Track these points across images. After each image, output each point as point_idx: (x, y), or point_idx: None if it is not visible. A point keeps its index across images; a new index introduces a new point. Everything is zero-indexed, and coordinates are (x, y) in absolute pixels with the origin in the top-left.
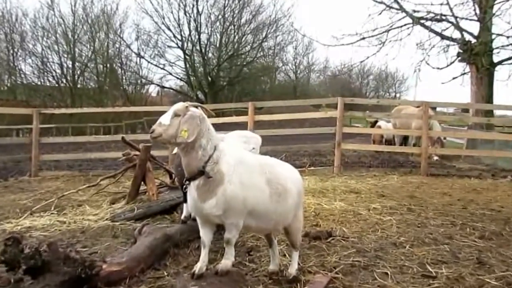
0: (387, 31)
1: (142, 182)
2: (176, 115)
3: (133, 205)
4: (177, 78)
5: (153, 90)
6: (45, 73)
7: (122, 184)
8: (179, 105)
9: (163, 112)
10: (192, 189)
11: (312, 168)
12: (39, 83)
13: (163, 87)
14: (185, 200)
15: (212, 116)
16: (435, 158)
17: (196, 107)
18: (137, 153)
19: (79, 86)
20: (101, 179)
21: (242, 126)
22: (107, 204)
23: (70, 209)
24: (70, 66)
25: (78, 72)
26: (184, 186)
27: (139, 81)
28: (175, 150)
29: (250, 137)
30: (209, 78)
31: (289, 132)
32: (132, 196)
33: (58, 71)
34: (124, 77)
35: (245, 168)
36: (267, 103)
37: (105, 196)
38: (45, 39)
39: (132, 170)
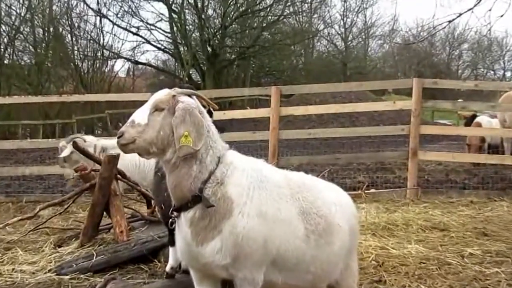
0: None
1: (105, 213)
2: (157, 109)
3: (91, 249)
4: (158, 48)
5: (121, 68)
6: None
7: (73, 216)
8: (162, 94)
9: (136, 103)
10: (183, 225)
11: (373, 190)
12: None
13: (137, 62)
14: (171, 242)
15: (214, 110)
16: None
17: (190, 96)
18: (97, 167)
19: (6, 61)
20: (41, 209)
21: (261, 124)
22: (50, 247)
23: None
24: None
25: (5, 41)
26: (171, 220)
27: (99, 54)
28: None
29: None
30: (209, 49)
31: (334, 134)
32: (89, 235)
33: None
34: (76, 48)
35: (267, 192)
36: (300, 87)
37: (47, 235)
38: None
39: (89, 194)
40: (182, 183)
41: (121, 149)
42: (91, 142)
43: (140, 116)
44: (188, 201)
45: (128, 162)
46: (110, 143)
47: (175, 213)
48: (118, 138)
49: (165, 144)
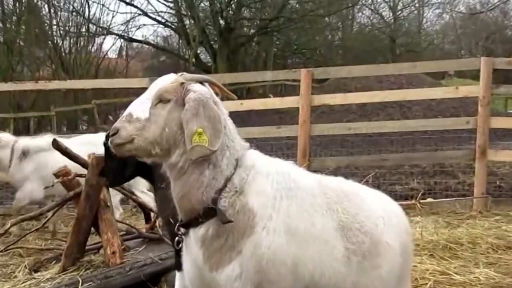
0: None
1: (93, 229)
2: (161, 100)
3: (75, 275)
4: (158, 22)
5: (111, 47)
6: None
7: (52, 234)
8: (167, 81)
9: (131, 91)
10: (192, 245)
11: (430, 200)
12: None
13: (131, 39)
14: (178, 266)
15: (232, 99)
16: None
17: (201, 82)
18: (83, 172)
19: None
20: (13, 224)
21: (287, 116)
22: (24, 272)
23: None
24: None
25: None
26: (177, 239)
27: (83, 30)
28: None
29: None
30: (221, 22)
31: (381, 129)
32: (73, 257)
33: None
34: (55, 23)
35: (297, 203)
36: (337, 70)
37: (21, 257)
38: None
39: (73, 205)
40: (191, 192)
41: (115, 150)
42: (7, 142)
43: (139, 108)
44: (198, 215)
45: None
46: (34, 143)
47: (182, 230)
48: (112, 136)
49: (171, 143)
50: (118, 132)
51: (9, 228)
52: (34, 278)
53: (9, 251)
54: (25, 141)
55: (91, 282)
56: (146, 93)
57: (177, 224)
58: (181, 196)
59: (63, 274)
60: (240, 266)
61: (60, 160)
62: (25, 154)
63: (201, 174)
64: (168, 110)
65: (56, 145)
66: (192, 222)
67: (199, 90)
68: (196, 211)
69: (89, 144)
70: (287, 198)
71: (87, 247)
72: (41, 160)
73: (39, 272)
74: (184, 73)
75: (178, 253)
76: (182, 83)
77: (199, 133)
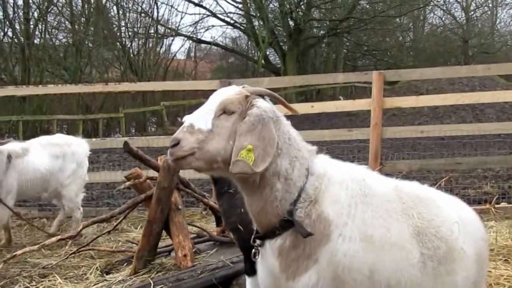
0: None
1: (164, 232)
2: (225, 111)
3: (147, 277)
4: (227, 23)
5: (179, 48)
6: None
7: (123, 236)
8: (231, 92)
9: (199, 93)
10: (269, 256)
11: (504, 204)
12: None
13: (200, 41)
14: (249, 271)
15: (295, 114)
16: None
17: (263, 96)
18: (154, 175)
19: (37, 41)
20: (84, 226)
21: (357, 119)
22: (96, 274)
23: (27, 283)
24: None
25: (36, 15)
26: (254, 251)
27: (152, 31)
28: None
29: (67, 145)
30: (291, 23)
31: (454, 132)
32: (144, 260)
33: None
34: (123, 24)
35: (373, 209)
36: (409, 72)
37: (92, 259)
38: None
39: (144, 208)
40: (267, 207)
41: (175, 163)
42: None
43: (201, 119)
44: (275, 228)
45: None
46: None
47: (258, 242)
48: (172, 147)
49: (224, 159)
50: (179, 144)
51: (81, 230)
52: (106, 280)
53: (81, 253)
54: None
55: (162, 285)
56: (208, 103)
57: (253, 236)
58: (258, 212)
59: (135, 277)
60: (317, 275)
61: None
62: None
63: (273, 188)
64: (232, 122)
65: (127, 148)
66: (268, 234)
67: (263, 107)
68: (273, 223)
69: (52, 145)
70: (362, 205)
71: (158, 250)
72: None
73: (111, 274)
74: (246, 85)
75: (249, 259)
76: (247, 96)
77: (248, 149)
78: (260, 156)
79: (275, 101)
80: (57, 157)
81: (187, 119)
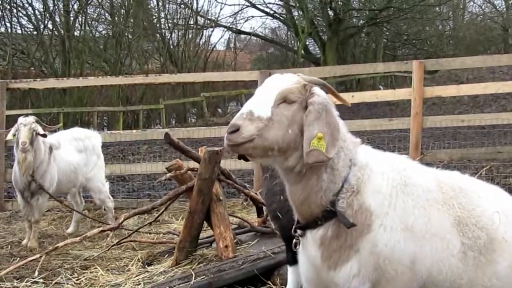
0: None
1: (205, 223)
2: (286, 100)
3: (188, 268)
4: (266, 13)
5: (219, 39)
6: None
7: (165, 227)
8: (290, 81)
9: (239, 83)
10: (310, 246)
11: None
12: None
13: (240, 31)
14: (291, 260)
15: (345, 104)
16: None
17: (319, 85)
18: (195, 166)
19: (77, 33)
20: (126, 218)
21: (397, 108)
22: (137, 266)
23: (69, 275)
24: None
25: (76, 7)
26: (294, 241)
27: (191, 22)
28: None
29: (88, 139)
30: (331, 13)
31: (495, 121)
32: (186, 251)
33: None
34: (163, 15)
35: (413, 198)
36: (449, 61)
37: (134, 250)
38: None
39: (186, 199)
40: (311, 197)
41: (231, 149)
42: None
43: (261, 106)
44: (317, 218)
45: None
46: None
47: (299, 232)
48: (231, 133)
49: (291, 146)
50: (239, 130)
51: (122, 221)
52: (147, 272)
53: (122, 244)
54: None
55: (204, 276)
56: (264, 91)
57: (294, 226)
58: (301, 202)
59: (176, 268)
60: (358, 264)
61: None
62: None
63: (319, 178)
64: (292, 111)
65: (168, 139)
66: (310, 225)
67: (323, 95)
68: (315, 214)
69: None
70: (403, 194)
71: (199, 241)
72: None
73: (152, 265)
74: (301, 74)
75: (290, 248)
76: (305, 85)
77: (319, 138)
78: (329, 142)
79: (325, 90)
80: (80, 151)
81: (246, 106)
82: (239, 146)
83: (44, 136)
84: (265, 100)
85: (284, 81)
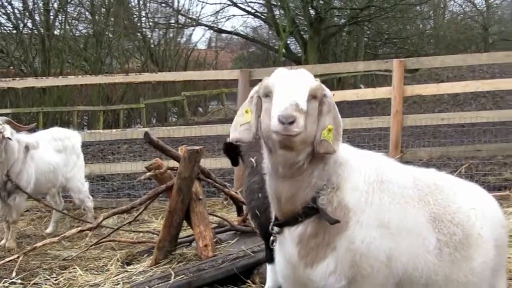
0: None
1: (185, 222)
2: (314, 96)
3: (168, 268)
4: (248, 12)
5: (200, 38)
6: None
7: (144, 227)
8: (309, 78)
9: (220, 83)
10: (287, 244)
11: None
12: None
13: (221, 30)
14: (269, 259)
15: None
16: None
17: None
18: (175, 165)
19: (57, 32)
20: (105, 217)
21: (378, 107)
22: (116, 266)
23: (47, 275)
24: None
25: (55, 5)
26: (272, 239)
27: (172, 21)
28: None
29: (67, 139)
30: (312, 12)
31: (474, 119)
32: (165, 250)
33: (18, 4)
34: (144, 14)
35: (389, 195)
36: (430, 60)
37: (113, 250)
38: None
39: (165, 198)
40: (299, 194)
41: (286, 140)
42: None
43: (300, 100)
44: (297, 215)
45: None
46: None
47: (276, 229)
48: (288, 124)
49: (312, 141)
50: (295, 121)
51: (101, 221)
52: (127, 271)
53: (101, 244)
54: None
55: (183, 275)
56: (297, 85)
57: (271, 224)
58: (287, 198)
59: (155, 267)
60: (335, 262)
61: None
62: None
63: (312, 174)
64: (316, 107)
65: (148, 138)
66: (289, 222)
67: (330, 92)
68: (297, 210)
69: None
70: (379, 191)
71: (179, 240)
72: None
73: (131, 265)
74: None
75: (270, 247)
76: (321, 84)
77: (329, 129)
78: (335, 137)
79: None
80: (60, 151)
81: (290, 98)
82: (295, 137)
83: (10, 139)
84: (302, 94)
85: (311, 78)
